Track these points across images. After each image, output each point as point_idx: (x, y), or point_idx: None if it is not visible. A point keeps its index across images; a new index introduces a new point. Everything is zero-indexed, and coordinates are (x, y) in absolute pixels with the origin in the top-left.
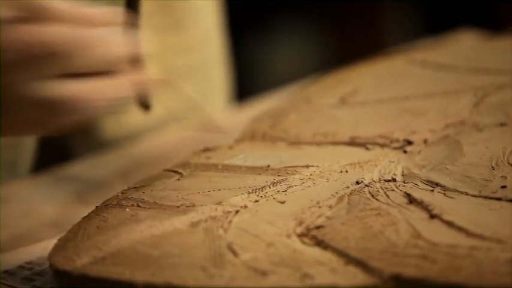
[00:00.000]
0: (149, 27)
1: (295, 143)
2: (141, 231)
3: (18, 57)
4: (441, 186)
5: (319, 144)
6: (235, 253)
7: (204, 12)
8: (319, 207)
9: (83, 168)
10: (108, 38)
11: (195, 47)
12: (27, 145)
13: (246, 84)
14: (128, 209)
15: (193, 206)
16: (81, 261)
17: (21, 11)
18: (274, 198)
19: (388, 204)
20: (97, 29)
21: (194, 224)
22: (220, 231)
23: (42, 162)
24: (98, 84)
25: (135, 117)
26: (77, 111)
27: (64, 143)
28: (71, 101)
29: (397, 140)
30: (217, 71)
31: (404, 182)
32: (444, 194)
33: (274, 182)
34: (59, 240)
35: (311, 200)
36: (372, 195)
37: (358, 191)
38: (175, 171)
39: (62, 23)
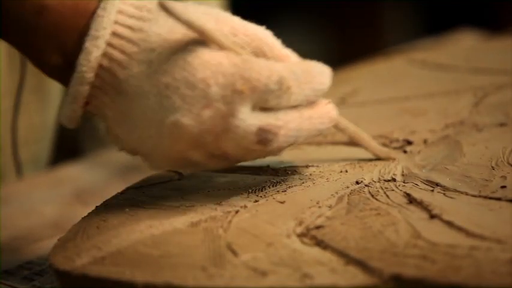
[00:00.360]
0: None
1: None
2: (141, 231)
3: (251, 88)
4: (441, 186)
5: (319, 144)
6: (235, 253)
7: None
8: (319, 207)
9: (83, 168)
10: (316, 72)
11: None
12: (46, 141)
13: None
14: (127, 209)
15: (193, 206)
16: (81, 261)
17: (253, 46)
18: (274, 198)
19: (388, 204)
20: (308, 64)
21: (194, 224)
22: (220, 231)
23: (55, 158)
24: (303, 115)
25: None
26: (285, 141)
27: (74, 139)
28: (283, 130)
29: (397, 140)
30: None
31: (404, 182)
32: (444, 194)
33: (274, 182)
34: (59, 240)
35: (311, 200)
36: (372, 195)
37: (358, 191)
38: (176, 171)
39: (280, 60)
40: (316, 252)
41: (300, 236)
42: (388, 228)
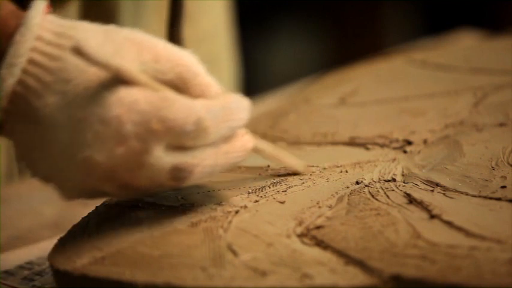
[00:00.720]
0: (160, 20)
1: (295, 143)
2: (141, 231)
3: (167, 128)
4: (441, 186)
5: (318, 144)
6: (235, 253)
7: (212, 5)
8: (319, 207)
9: None
10: (235, 109)
11: (205, 40)
12: None
13: (246, 84)
14: (127, 209)
15: (193, 206)
16: (81, 261)
17: (178, 83)
18: (274, 198)
19: (388, 204)
20: (227, 100)
21: (194, 224)
22: (220, 231)
23: None
24: (219, 151)
25: None
26: (198, 176)
27: None
28: (198, 168)
29: (397, 140)
30: (225, 64)
31: (404, 182)
32: (444, 194)
33: (274, 182)
34: (59, 240)
35: (311, 200)
36: (372, 195)
37: (358, 191)
38: None
39: (203, 96)
40: (316, 252)
41: (300, 236)
42: (388, 228)
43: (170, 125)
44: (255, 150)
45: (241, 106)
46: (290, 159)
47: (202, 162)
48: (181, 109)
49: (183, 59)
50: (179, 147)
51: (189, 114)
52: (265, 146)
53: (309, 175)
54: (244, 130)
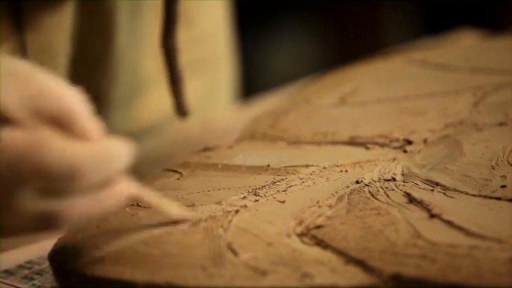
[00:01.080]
0: (157, 19)
1: (295, 142)
2: (141, 231)
3: (37, 171)
4: (441, 185)
5: (319, 143)
6: (235, 253)
7: (212, 5)
8: (319, 206)
9: None
10: (114, 154)
11: (204, 40)
12: None
13: (246, 84)
14: (128, 209)
15: (193, 205)
16: (81, 261)
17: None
18: (274, 198)
19: (388, 203)
20: (106, 145)
21: (194, 224)
22: (220, 231)
23: None
24: (94, 197)
25: (140, 115)
26: (69, 224)
27: None
28: (67, 216)
29: (397, 140)
30: (225, 65)
31: (404, 182)
32: (444, 193)
33: (274, 182)
34: (59, 240)
35: (311, 200)
36: (372, 195)
37: (358, 190)
38: (175, 171)
39: (84, 139)
40: (316, 251)
41: (300, 235)
42: (388, 228)
43: (41, 169)
44: (134, 198)
45: (120, 152)
46: (171, 208)
47: (75, 209)
48: (56, 152)
49: (67, 98)
50: (52, 192)
51: (63, 158)
52: (145, 194)
53: (309, 174)
54: (124, 176)
